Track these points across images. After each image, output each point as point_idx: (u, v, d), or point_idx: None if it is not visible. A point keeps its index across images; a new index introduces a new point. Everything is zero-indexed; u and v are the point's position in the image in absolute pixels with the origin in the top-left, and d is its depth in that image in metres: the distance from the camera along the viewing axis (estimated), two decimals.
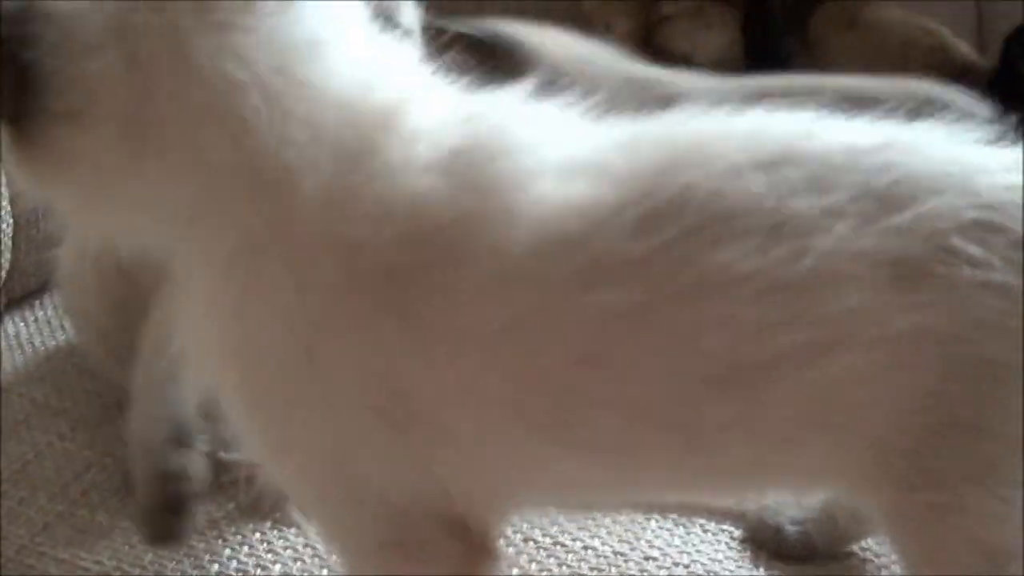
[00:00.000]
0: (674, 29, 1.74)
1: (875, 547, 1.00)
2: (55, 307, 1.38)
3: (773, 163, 0.69)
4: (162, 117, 0.73)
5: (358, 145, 0.73)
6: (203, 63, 0.73)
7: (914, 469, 0.69)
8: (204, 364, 0.79)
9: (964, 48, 1.61)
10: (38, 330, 1.36)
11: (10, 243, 1.37)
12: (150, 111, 0.73)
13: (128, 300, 1.08)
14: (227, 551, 1.03)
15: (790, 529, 0.99)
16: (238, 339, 0.75)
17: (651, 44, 1.75)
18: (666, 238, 0.68)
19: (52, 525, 1.07)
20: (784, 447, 0.71)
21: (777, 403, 0.69)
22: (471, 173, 0.72)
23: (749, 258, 0.67)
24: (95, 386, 1.24)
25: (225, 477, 1.09)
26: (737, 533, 1.03)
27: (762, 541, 1.01)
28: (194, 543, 1.04)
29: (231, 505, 1.07)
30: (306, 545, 1.03)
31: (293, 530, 1.04)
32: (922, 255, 0.67)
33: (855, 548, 1.00)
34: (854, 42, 1.63)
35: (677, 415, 0.70)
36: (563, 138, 0.75)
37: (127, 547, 1.04)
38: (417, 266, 0.71)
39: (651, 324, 0.68)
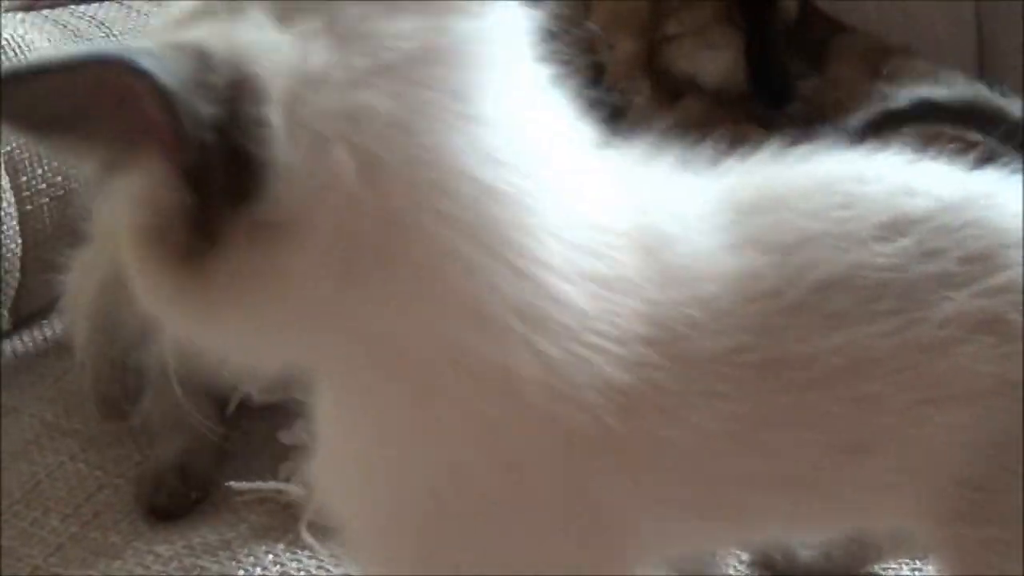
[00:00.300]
0: (678, 49, 1.75)
1: (880, 572, 1.02)
2: (63, 328, 1.39)
3: (889, 230, 0.69)
4: (396, 231, 0.60)
5: (609, 271, 0.65)
6: (456, 166, 0.60)
7: (987, 505, 0.70)
8: (359, 491, 0.70)
9: None
10: (47, 350, 1.36)
11: (19, 263, 1.38)
12: (381, 224, 0.59)
13: (131, 327, 1.09)
14: (240, 573, 1.03)
15: (802, 552, 1.00)
16: (431, 469, 0.66)
17: (654, 64, 1.76)
18: (815, 330, 0.68)
19: (65, 546, 1.07)
20: (879, 492, 0.73)
21: (885, 457, 0.71)
22: (675, 282, 0.67)
23: (883, 339, 0.68)
24: None
25: (238, 499, 1.10)
26: (746, 556, 1.04)
27: (771, 564, 1.02)
28: (206, 564, 1.05)
29: (244, 527, 1.08)
30: (319, 567, 1.03)
31: (306, 552, 1.05)
32: (1011, 311, 0.68)
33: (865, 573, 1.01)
34: (877, 92, 1.64)
35: (806, 481, 0.71)
36: (690, 202, 0.72)
37: (140, 568, 1.05)
38: (643, 387, 0.65)
39: (801, 411, 0.69)
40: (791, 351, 0.67)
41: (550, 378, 0.63)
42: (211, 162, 0.57)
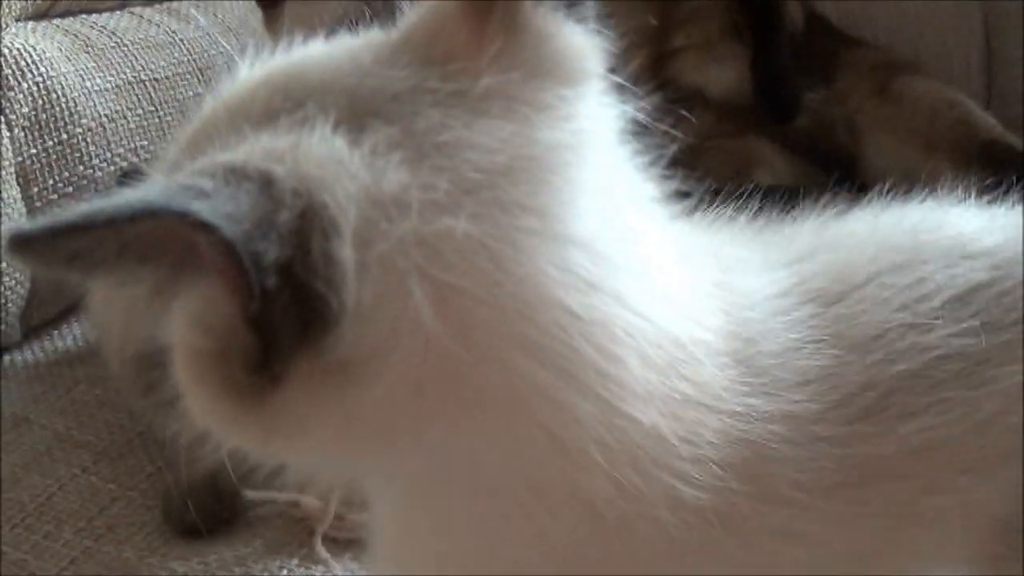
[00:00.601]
0: (685, 62, 1.76)
1: None
2: (75, 336, 1.39)
3: (953, 307, 0.68)
4: (476, 363, 0.56)
5: (692, 390, 0.62)
6: (543, 294, 0.56)
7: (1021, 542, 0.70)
8: None
9: (990, 122, 1.64)
10: (58, 359, 1.36)
11: (30, 273, 1.38)
12: (460, 357, 0.55)
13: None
14: None
15: None
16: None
17: (662, 77, 1.77)
18: (889, 428, 0.66)
19: (79, 560, 1.07)
20: (926, 554, 0.73)
21: (937, 525, 0.71)
22: (761, 391, 0.64)
23: (948, 426, 0.67)
24: (117, 418, 1.24)
25: (252, 513, 1.10)
26: None
27: None
28: None
29: (258, 542, 1.08)
30: None
31: (320, 567, 1.05)
32: None
33: None
34: (883, 109, 1.65)
35: (862, 561, 0.70)
36: (769, 296, 0.69)
37: None
38: (717, 509, 0.63)
39: (868, 504, 0.68)
40: (865, 452, 0.66)
41: (627, 503, 0.60)
42: (276, 306, 0.52)
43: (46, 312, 1.41)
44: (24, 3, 1.48)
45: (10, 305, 1.36)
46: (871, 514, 0.68)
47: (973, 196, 0.77)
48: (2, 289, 1.35)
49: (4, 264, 1.34)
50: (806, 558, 0.68)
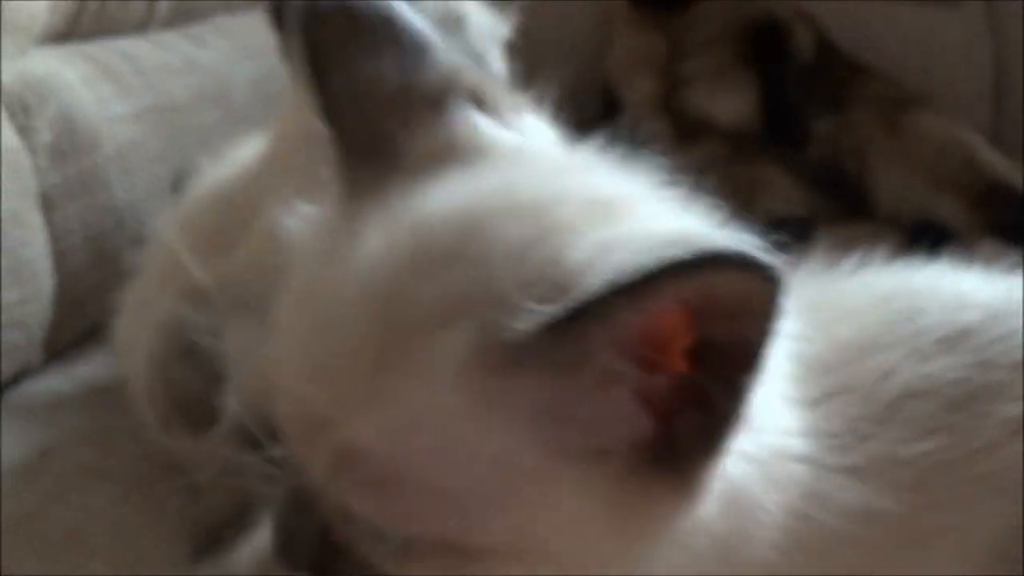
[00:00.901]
0: (695, 90, 1.78)
1: None
2: (98, 364, 1.39)
3: (949, 343, 0.74)
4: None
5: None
6: None
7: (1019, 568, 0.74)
8: None
9: (995, 162, 1.67)
10: (82, 386, 1.37)
11: (52, 299, 1.39)
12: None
13: (189, 378, 1.10)
14: None
15: None
16: None
17: (672, 105, 1.79)
18: (902, 438, 0.73)
19: None
20: (932, 567, 0.76)
21: (939, 548, 0.75)
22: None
23: (955, 448, 0.73)
24: (143, 448, 1.23)
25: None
26: None
27: None
28: None
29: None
30: None
31: None
32: None
33: None
34: (892, 144, 1.68)
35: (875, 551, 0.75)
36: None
37: None
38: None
39: (885, 513, 0.73)
40: (883, 456, 0.72)
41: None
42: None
43: (68, 340, 1.41)
44: (49, 11, 1.46)
45: (33, 330, 1.37)
46: (886, 523, 0.72)
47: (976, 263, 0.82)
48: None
49: (28, 289, 1.34)
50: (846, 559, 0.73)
